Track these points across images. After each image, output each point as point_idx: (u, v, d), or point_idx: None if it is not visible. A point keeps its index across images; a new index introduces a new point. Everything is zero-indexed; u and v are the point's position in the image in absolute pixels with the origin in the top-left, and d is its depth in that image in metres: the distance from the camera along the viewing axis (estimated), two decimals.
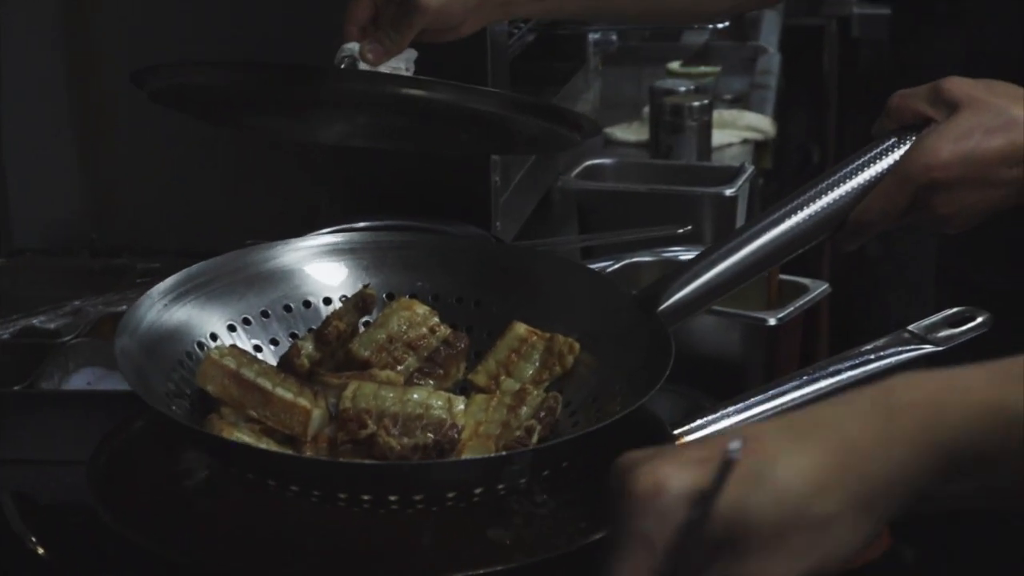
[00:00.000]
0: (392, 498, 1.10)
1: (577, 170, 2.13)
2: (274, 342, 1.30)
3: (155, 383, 1.19)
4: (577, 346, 1.28)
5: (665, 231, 1.78)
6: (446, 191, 1.78)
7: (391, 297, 1.34)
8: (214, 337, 1.26)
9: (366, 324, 1.30)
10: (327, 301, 1.33)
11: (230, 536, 1.22)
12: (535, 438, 1.20)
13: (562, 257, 1.36)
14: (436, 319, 1.29)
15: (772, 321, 1.62)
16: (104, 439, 1.25)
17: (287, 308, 1.31)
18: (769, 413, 1.30)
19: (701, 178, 2.10)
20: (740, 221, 2.02)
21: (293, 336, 1.31)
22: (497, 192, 1.80)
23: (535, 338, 1.29)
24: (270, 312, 1.31)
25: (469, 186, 1.78)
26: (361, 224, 1.67)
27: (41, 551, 1.14)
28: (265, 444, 1.16)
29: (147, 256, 1.77)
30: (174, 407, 1.18)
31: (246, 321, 1.29)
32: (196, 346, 1.25)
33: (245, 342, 1.28)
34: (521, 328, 1.29)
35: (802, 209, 1.29)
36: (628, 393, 1.21)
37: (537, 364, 1.28)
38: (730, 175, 2.06)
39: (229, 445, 1.13)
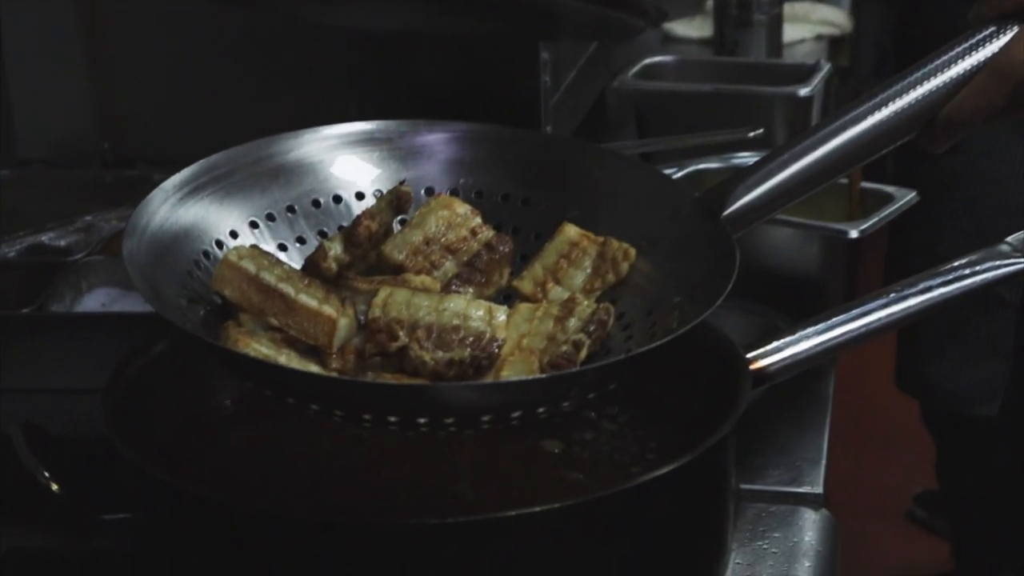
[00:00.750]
0: (421, 420, 1.04)
1: (634, 69, 2.05)
2: (301, 241, 1.23)
3: (167, 289, 1.11)
4: (633, 252, 1.20)
5: (733, 135, 1.71)
6: (491, 93, 1.71)
7: (430, 192, 1.26)
8: (234, 235, 1.19)
9: (402, 223, 1.23)
10: (360, 196, 1.25)
11: (257, 471, 1.17)
12: (583, 354, 1.13)
13: (620, 154, 1.30)
14: (478, 219, 1.21)
15: (854, 234, 1.55)
16: (120, 366, 1.19)
17: (316, 203, 1.24)
18: (853, 334, 1.24)
19: (772, 77, 2.02)
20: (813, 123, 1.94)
21: (322, 234, 1.23)
22: (547, 94, 1.72)
23: (587, 242, 1.21)
24: (297, 207, 1.23)
25: (516, 88, 1.70)
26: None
27: (55, 487, 1.10)
28: (285, 356, 1.10)
29: (163, 167, 1.67)
30: (187, 315, 1.12)
31: (270, 217, 1.22)
32: (214, 245, 1.17)
33: (268, 241, 1.21)
34: (572, 231, 1.22)
35: (887, 105, 1.21)
36: (688, 307, 1.14)
37: (588, 271, 1.21)
38: (804, 73, 1.99)
39: (244, 359, 1.06)
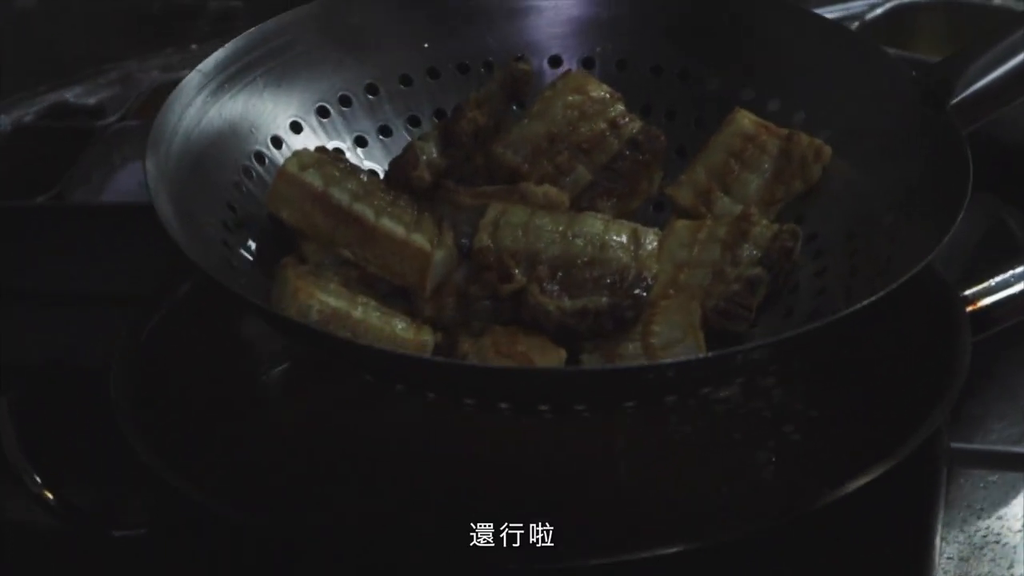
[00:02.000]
0: (543, 407, 0.84)
1: None
2: (385, 132, 1.01)
3: (205, 216, 0.90)
4: (828, 151, 0.98)
5: None
6: None
7: (556, 64, 1.04)
8: (296, 128, 0.98)
9: (519, 108, 1.01)
10: (463, 69, 1.04)
11: (319, 471, 0.93)
12: (761, 294, 0.92)
13: (812, 13, 1.06)
14: (621, 107, 0.98)
15: None
16: (135, 321, 0.97)
17: (406, 80, 1.03)
18: None
19: None
20: None
21: (413, 123, 1.02)
22: None
23: (766, 136, 0.99)
24: (380, 87, 1.02)
25: None
26: None
27: (49, 496, 0.90)
28: (361, 308, 0.88)
29: None
30: (232, 251, 0.90)
31: (344, 101, 1.01)
32: (270, 145, 0.96)
33: (342, 133, 1.00)
34: (746, 120, 0.99)
35: None
36: (904, 228, 0.92)
37: (768, 175, 0.98)
38: None
39: (302, 329, 0.84)
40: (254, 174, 0.95)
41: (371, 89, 1.02)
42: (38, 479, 0.88)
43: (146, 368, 0.94)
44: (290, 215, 0.91)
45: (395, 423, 0.92)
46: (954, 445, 1.06)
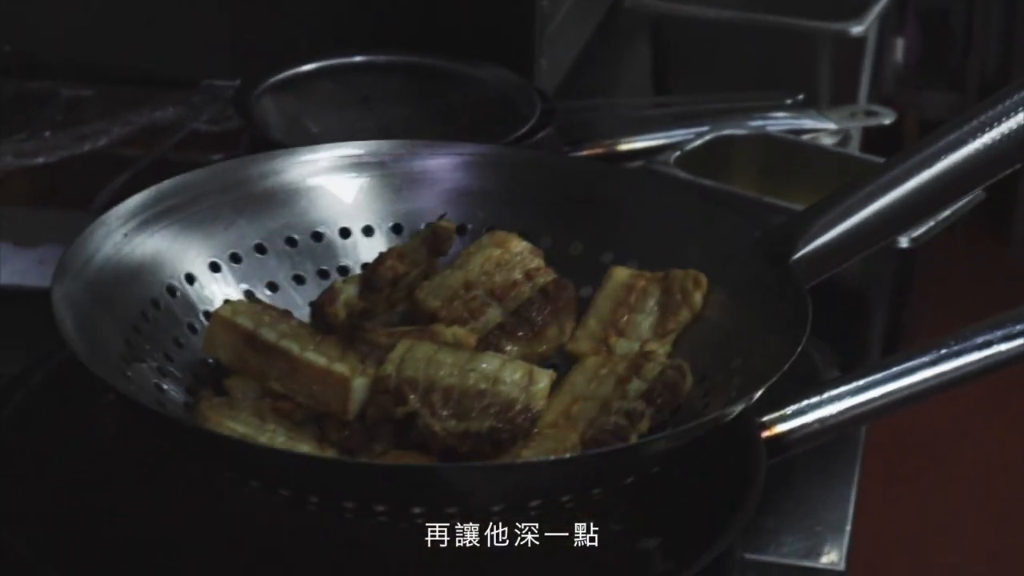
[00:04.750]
0: (416, 510, 1.01)
1: None
2: (272, 287, 1.22)
3: (108, 340, 1.09)
4: (704, 278, 1.16)
5: (767, 100, 1.74)
6: (470, 15, 1.70)
7: (461, 232, 1.24)
8: (190, 279, 1.17)
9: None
10: (344, 233, 1.25)
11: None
12: (644, 426, 1.09)
13: (664, 177, 1.29)
14: (539, 261, 1.17)
15: (904, 243, 1.48)
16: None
17: (291, 241, 1.24)
18: (894, 398, 1.20)
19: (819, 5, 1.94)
20: (866, 72, 1.90)
21: (322, 275, 1.22)
22: (543, 18, 1.70)
23: (644, 281, 1.17)
24: (297, 239, 1.23)
25: (504, 9, 1.69)
26: (358, 58, 1.61)
27: None
28: (268, 434, 1.06)
29: (76, 79, 1.61)
30: (133, 380, 1.08)
31: (234, 258, 1.21)
32: (165, 292, 1.16)
33: (232, 285, 1.20)
34: (622, 273, 1.18)
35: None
36: (746, 374, 1.10)
37: (656, 313, 1.17)
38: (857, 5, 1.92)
39: (199, 434, 1.03)
40: (151, 317, 1.15)
41: (288, 240, 1.24)
42: None
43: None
44: (225, 355, 1.10)
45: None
46: (748, 556, 1.22)
